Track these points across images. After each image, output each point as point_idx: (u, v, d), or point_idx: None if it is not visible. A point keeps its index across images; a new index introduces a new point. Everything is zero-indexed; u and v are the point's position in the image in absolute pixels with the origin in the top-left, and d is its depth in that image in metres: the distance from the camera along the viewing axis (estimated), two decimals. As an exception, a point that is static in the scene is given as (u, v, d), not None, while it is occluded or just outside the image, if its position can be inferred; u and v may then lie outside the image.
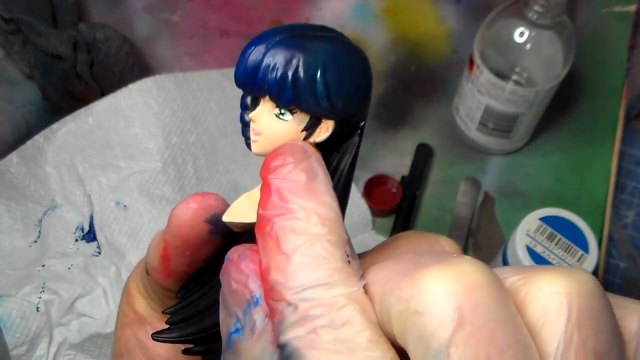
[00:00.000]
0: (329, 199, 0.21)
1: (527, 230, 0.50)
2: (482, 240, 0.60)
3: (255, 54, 0.25)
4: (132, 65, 0.62)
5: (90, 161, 0.56)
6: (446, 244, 0.26)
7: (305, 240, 0.19)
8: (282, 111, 0.25)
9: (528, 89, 0.55)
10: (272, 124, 0.26)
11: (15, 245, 0.55)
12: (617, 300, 0.19)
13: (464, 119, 0.62)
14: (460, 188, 0.62)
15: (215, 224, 0.25)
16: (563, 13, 0.52)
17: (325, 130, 0.26)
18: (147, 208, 0.54)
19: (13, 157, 0.57)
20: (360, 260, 0.23)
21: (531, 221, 0.50)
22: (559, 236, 0.50)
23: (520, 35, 0.54)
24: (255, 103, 0.26)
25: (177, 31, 0.69)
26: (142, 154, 0.56)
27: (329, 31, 0.26)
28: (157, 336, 0.26)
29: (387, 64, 0.68)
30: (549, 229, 0.50)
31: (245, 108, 0.26)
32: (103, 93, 0.60)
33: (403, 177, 0.62)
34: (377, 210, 0.60)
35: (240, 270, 0.22)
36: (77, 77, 0.60)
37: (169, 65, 0.67)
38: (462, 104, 0.62)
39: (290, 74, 0.24)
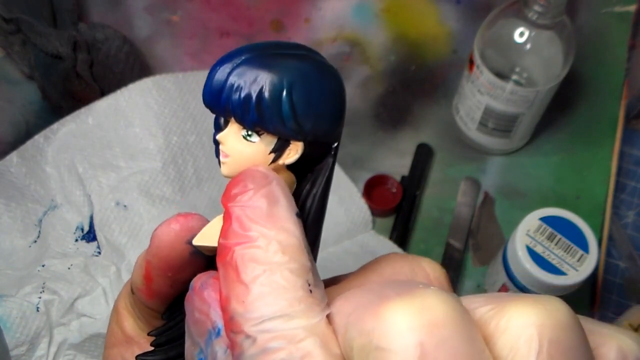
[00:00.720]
0: (291, 225, 0.20)
1: (527, 230, 0.50)
2: (482, 241, 0.60)
3: (220, 73, 0.24)
4: (132, 65, 0.63)
5: (90, 161, 0.56)
6: (429, 267, 0.25)
7: (265, 270, 0.19)
8: (249, 133, 0.24)
9: (528, 89, 0.55)
10: (239, 146, 0.25)
11: (15, 245, 0.55)
12: (593, 327, 0.19)
13: (464, 119, 0.62)
14: (460, 188, 0.62)
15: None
16: (563, 13, 0.52)
17: (294, 152, 0.25)
18: (147, 208, 0.54)
19: (13, 157, 0.57)
20: (338, 284, 0.22)
21: (531, 221, 0.50)
22: (559, 236, 0.50)
23: (520, 35, 0.54)
24: (226, 124, 0.26)
25: (177, 31, 0.69)
26: (142, 154, 0.56)
27: (299, 49, 0.25)
28: (141, 358, 0.26)
29: (387, 64, 0.68)
30: (549, 229, 0.50)
31: (218, 129, 0.26)
32: (103, 93, 0.60)
33: (403, 177, 0.62)
34: (377, 210, 0.60)
35: (202, 299, 0.21)
36: (77, 77, 0.60)
37: (169, 65, 0.67)
38: (462, 104, 0.62)
39: (254, 94, 0.23)
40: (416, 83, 0.68)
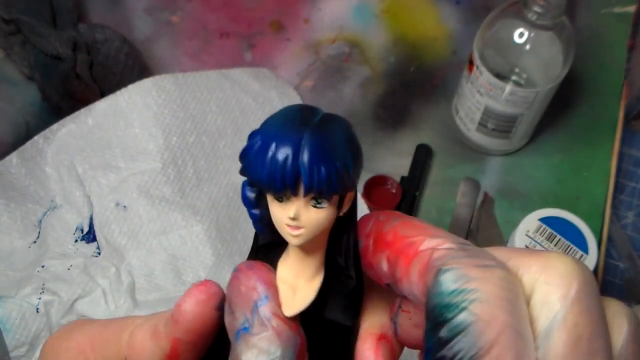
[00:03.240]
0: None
1: (526, 231, 0.50)
2: (481, 241, 0.60)
3: (282, 156, 0.25)
4: (132, 66, 0.63)
5: (90, 162, 0.56)
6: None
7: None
8: (319, 200, 0.26)
9: (528, 90, 0.55)
10: (313, 216, 0.26)
11: (15, 246, 0.55)
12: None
13: (463, 119, 0.62)
14: (460, 189, 0.62)
15: (222, 308, 0.26)
16: (562, 14, 0.52)
17: (349, 200, 0.27)
18: (146, 209, 0.54)
19: (13, 157, 0.57)
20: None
21: (531, 222, 0.50)
22: (558, 237, 0.50)
23: (520, 35, 0.54)
24: (260, 197, 0.27)
25: (176, 32, 0.69)
26: (141, 155, 0.56)
27: (317, 111, 0.27)
28: None
29: (386, 64, 0.68)
30: (549, 230, 0.50)
31: (252, 205, 0.28)
32: (103, 94, 0.60)
33: (402, 178, 0.62)
34: (377, 210, 0.60)
35: (249, 275, 0.24)
36: (77, 77, 0.60)
37: (168, 66, 0.67)
38: (461, 104, 0.62)
39: (331, 168, 0.25)
40: (416, 84, 0.68)
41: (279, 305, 0.25)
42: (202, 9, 0.71)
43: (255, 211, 0.27)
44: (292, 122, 0.26)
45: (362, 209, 0.59)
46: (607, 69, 0.68)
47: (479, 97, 0.58)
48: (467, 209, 0.61)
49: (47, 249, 0.54)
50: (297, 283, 0.27)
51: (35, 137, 0.57)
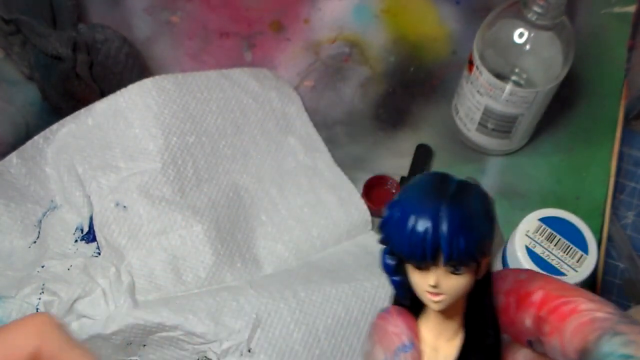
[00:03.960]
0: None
1: (526, 231, 0.50)
2: (481, 241, 0.60)
3: (421, 228, 0.27)
4: (132, 66, 0.63)
5: (89, 162, 0.56)
6: None
7: None
8: (458, 268, 0.27)
9: (527, 90, 0.55)
10: (454, 282, 0.28)
11: (15, 246, 0.55)
12: None
13: (463, 119, 0.62)
14: (460, 189, 0.62)
15: None
16: (562, 14, 0.52)
17: (486, 265, 0.29)
18: (146, 209, 0.54)
19: (13, 157, 0.57)
20: None
21: (530, 222, 0.50)
22: (558, 237, 0.50)
23: (520, 36, 0.54)
24: (400, 265, 0.29)
25: (176, 32, 0.69)
26: (141, 155, 0.56)
27: (451, 180, 0.28)
28: None
29: (386, 64, 0.68)
30: (549, 230, 0.50)
31: (393, 273, 0.30)
32: (103, 94, 0.60)
33: (402, 178, 0.62)
34: (376, 210, 0.60)
35: (398, 320, 0.28)
36: (77, 78, 0.60)
37: (168, 66, 0.67)
38: (461, 104, 0.62)
39: (469, 240, 0.28)
40: (416, 84, 0.68)
41: (419, 356, 0.28)
42: (202, 9, 0.71)
43: (396, 278, 0.29)
44: (429, 193, 0.28)
45: (362, 209, 0.60)
46: (607, 69, 0.68)
47: (478, 97, 0.58)
48: (467, 209, 0.61)
49: (47, 249, 0.54)
50: (439, 343, 0.29)
51: (35, 137, 0.57)
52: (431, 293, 0.28)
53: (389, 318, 0.27)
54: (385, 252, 0.30)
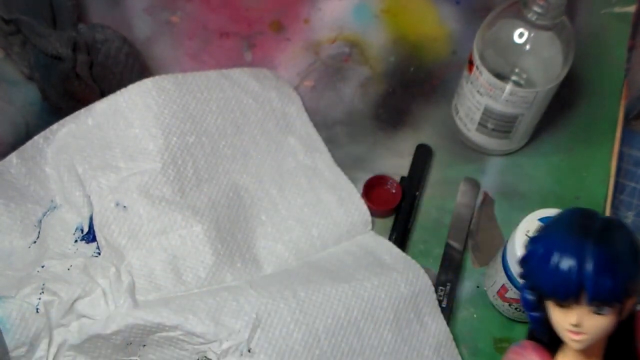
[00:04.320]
0: None
1: (526, 231, 0.50)
2: (481, 241, 0.60)
3: (566, 265, 0.26)
4: (132, 66, 0.63)
5: (89, 162, 0.56)
6: None
7: None
8: (602, 308, 0.27)
9: (527, 90, 0.55)
10: (596, 323, 0.28)
11: (15, 246, 0.55)
12: None
13: (463, 119, 0.62)
14: (460, 189, 0.62)
15: None
16: (562, 14, 0.52)
17: (631, 305, 0.28)
18: (146, 209, 0.54)
19: (13, 157, 0.57)
20: None
21: (530, 222, 0.50)
22: (558, 237, 0.50)
23: (520, 36, 0.54)
24: (540, 301, 0.28)
25: (176, 32, 0.69)
26: (141, 155, 0.56)
27: (596, 217, 0.28)
28: None
29: (386, 64, 0.68)
30: (549, 230, 0.50)
31: (532, 308, 0.30)
32: (103, 94, 0.60)
33: (402, 178, 0.62)
34: (376, 211, 0.60)
35: (532, 355, 0.28)
36: (77, 78, 0.60)
37: (168, 66, 0.67)
38: (461, 104, 0.62)
39: (616, 280, 0.27)
40: (416, 84, 0.68)
41: None
42: (202, 9, 0.71)
43: (535, 314, 0.29)
44: (573, 230, 0.27)
45: (362, 209, 0.59)
46: (607, 69, 0.68)
47: (478, 97, 0.58)
48: (467, 209, 0.61)
49: (47, 249, 0.54)
50: None
51: (35, 137, 0.57)
52: (572, 332, 0.28)
53: (524, 353, 0.28)
54: (525, 287, 0.29)
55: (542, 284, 0.27)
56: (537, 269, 0.28)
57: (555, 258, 0.27)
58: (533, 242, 0.28)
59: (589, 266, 0.27)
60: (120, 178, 0.55)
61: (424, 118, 0.66)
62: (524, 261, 0.28)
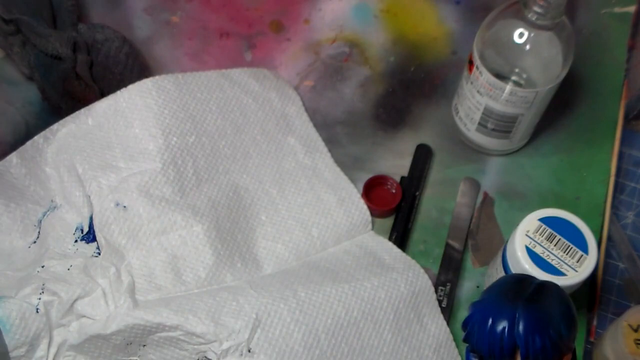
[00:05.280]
0: None
1: (526, 231, 0.50)
2: (481, 241, 0.60)
3: (499, 327, 0.28)
4: (132, 66, 0.63)
5: (89, 162, 0.56)
6: None
7: None
8: None
9: (527, 90, 0.55)
10: None
11: (15, 246, 0.55)
12: None
13: (463, 119, 0.62)
14: (460, 189, 0.62)
15: None
16: (562, 14, 0.52)
17: None
18: (146, 209, 0.54)
19: (12, 157, 0.57)
20: None
21: (530, 222, 0.50)
22: (558, 237, 0.50)
23: (520, 36, 0.54)
24: None
25: (176, 32, 0.69)
26: (141, 155, 0.56)
27: (532, 281, 0.30)
28: None
29: (386, 64, 0.68)
30: (549, 230, 0.50)
31: None
32: (103, 94, 0.60)
33: (402, 178, 0.62)
34: (376, 211, 0.60)
35: None
36: (77, 78, 0.60)
37: (168, 66, 0.67)
38: (461, 104, 0.62)
39: (545, 340, 0.30)
40: (415, 84, 0.68)
41: None
42: (202, 9, 0.71)
43: None
44: (507, 295, 0.29)
45: (362, 209, 0.59)
46: (607, 69, 0.68)
47: (478, 97, 0.58)
48: (467, 209, 0.61)
49: (47, 249, 0.54)
50: None
51: (35, 137, 0.57)
52: None
53: None
54: (468, 350, 0.32)
55: (480, 346, 0.30)
56: (476, 332, 0.30)
57: (490, 321, 0.29)
58: (472, 307, 0.31)
59: (520, 327, 0.29)
60: (120, 178, 0.55)
61: (424, 118, 0.66)
62: (464, 325, 0.31)
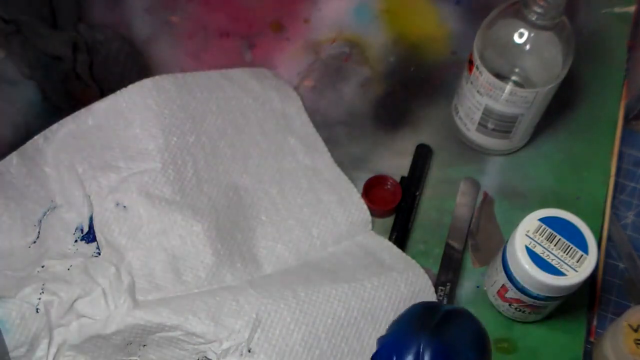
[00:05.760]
0: None
1: (526, 231, 0.50)
2: (481, 241, 0.60)
3: (407, 358, 0.28)
4: (132, 66, 0.63)
5: (89, 162, 0.56)
6: None
7: None
8: None
9: (527, 90, 0.55)
10: None
11: (15, 246, 0.55)
12: None
13: (463, 119, 0.62)
14: (460, 188, 0.62)
15: None
16: (562, 14, 0.52)
17: None
18: (146, 209, 0.54)
19: (13, 157, 0.57)
20: None
21: (530, 222, 0.50)
22: (558, 237, 0.50)
23: (520, 36, 0.54)
24: None
25: (176, 32, 0.69)
26: (141, 155, 0.56)
27: (438, 310, 0.29)
28: None
29: (386, 64, 0.68)
30: (549, 230, 0.50)
31: None
32: (103, 94, 0.60)
33: (402, 178, 0.62)
34: (376, 210, 0.60)
35: None
36: (77, 78, 0.60)
37: (168, 66, 0.67)
38: (461, 104, 0.62)
39: None
40: (415, 84, 0.68)
41: None
42: (202, 9, 0.71)
43: None
44: (414, 326, 0.29)
45: (362, 209, 0.59)
46: (607, 69, 0.68)
47: (478, 97, 0.58)
48: (467, 209, 0.61)
49: (47, 249, 0.54)
50: None
51: (35, 137, 0.57)
52: None
53: None
54: None
55: None
56: None
57: (397, 354, 0.30)
58: (380, 342, 0.31)
59: (426, 357, 0.29)
60: (120, 178, 0.55)
61: (424, 118, 0.66)
62: None
